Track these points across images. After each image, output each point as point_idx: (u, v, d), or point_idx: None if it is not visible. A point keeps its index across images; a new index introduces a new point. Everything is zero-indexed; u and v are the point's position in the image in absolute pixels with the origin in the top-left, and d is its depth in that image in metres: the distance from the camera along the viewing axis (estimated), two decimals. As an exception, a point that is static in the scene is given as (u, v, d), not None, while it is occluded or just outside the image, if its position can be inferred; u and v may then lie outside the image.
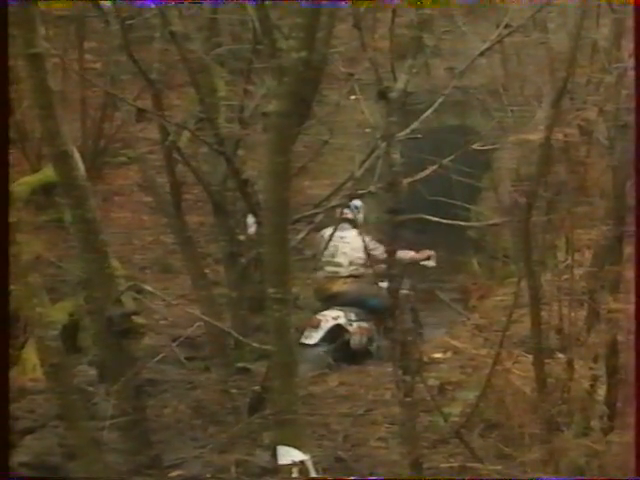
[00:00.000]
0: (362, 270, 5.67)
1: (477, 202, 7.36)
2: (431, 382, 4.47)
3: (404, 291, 5.82)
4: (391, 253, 2.66)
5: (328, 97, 6.21)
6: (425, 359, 5.08)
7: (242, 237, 4.53)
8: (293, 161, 4.50)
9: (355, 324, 5.62)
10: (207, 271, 5.13)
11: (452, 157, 3.15)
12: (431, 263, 5.78)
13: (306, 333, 5.36)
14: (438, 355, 5.24)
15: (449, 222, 5.63)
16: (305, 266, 5.54)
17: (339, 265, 5.80)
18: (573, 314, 3.72)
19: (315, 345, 5.34)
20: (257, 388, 3.76)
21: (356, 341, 5.62)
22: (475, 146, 2.87)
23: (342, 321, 5.55)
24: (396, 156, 2.51)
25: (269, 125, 1.91)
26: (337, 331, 5.53)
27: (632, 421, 3.55)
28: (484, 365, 3.86)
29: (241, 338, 2.75)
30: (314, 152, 4.61)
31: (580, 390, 3.60)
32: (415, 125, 2.98)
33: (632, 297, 3.78)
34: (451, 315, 6.12)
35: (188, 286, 5.13)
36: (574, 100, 4.59)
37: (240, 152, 4.53)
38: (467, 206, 4.09)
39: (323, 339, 5.41)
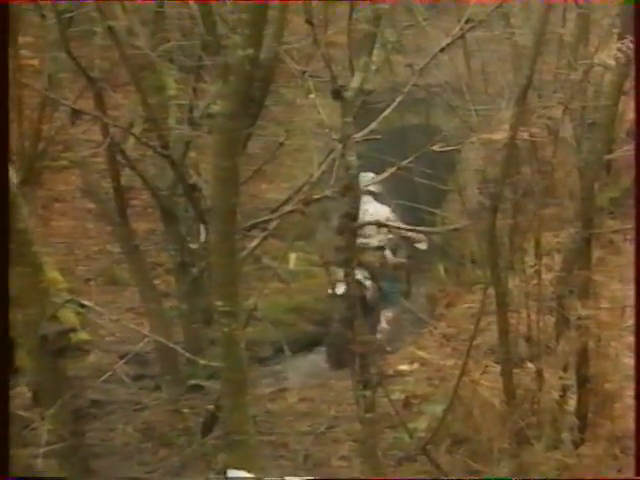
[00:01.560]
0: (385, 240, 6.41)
1: (442, 205, 7.45)
2: (396, 396, 4.50)
3: (402, 259, 6.56)
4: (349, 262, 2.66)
5: (284, 96, 6.22)
6: (390, 371, 5.12)
7: (193, 245, 4.50)
8: (245, 164, 4.54)
9: (369, 281, 6.41)
10: (157, 282, 5.08)
11: (411, 159, 3.17)
12: (423, 246, 6.18)
13: (337, 286, 6.00)
14: (404, 367, 5.27)
15: (408, 228, 5.78)
16: (263, 275, 5.53)
17: (369, 236, 6.32)
18: (542, 321, 3.83)
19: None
20: (211, 407, 3.73)
21: (370, 295, 6.42)
22: (436, 147, 2.90)
23: (360, 277, 6.14)
24: (352, 158, 2.52)
25: (215, 127, 1.89)
26: (356, 286, 6.17)
27: (603, 432, 3.63)
28: (451, 376, 3.89)
29: (187, 354, 2.71)
30: (270, 154, 4.59)
31: (550, 401, 3.65)
32: (374, 125, 3.00)
33: (603, 302, 3.89)
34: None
35: (137, 298, 5.07)
36: (541, 97, 4.67)
37: (192, 155, 4.55)
38: (431, 210, 4.13)
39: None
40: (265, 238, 2.99)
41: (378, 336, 6.44)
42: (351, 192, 2.50)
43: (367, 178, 6.40)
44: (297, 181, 5.54)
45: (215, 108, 1.85)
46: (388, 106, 3.36)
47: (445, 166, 5.25)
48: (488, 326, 4.41)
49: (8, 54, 2.31)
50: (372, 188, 6.48)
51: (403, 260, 6.63)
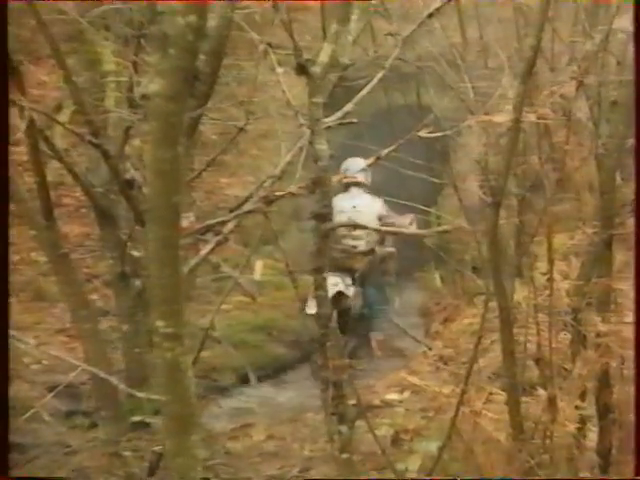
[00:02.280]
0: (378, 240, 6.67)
1: (438, 202, 7.52)
2: (383, 431, 4.52)
3: (390, 249, 6.70)
4: (319, 271, 2.67)
5: (247, 72, 6.23)
6: (377, 402, 5.14)
7: (136, 253, 4.48)
8: (200, 155, 4.53)
9: (352, 288, 6.65)
10: (93, 297, 5.06)
11: (393, 147, 3.19)
12: (412, 228, 6.43)
13: (309, 303, 5.87)
14: (393, 396, 5.30)
15: (391, 230, 5.89)
16: (223, 287, 5.53)
17: (358, 238, 6.64)
18: (555, 339, 3.86)
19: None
20: (158, 448, 3.73)
21: (356, 307, 6.71)
22: (422, 133, 2.91)
23: (342, 287, 6.51)
24: (322, 147, 2.52)
25: (151, 110, 1.88)
26: (338, 298, 6.44)
27: (630, 472, 3.66)
28: (449, 407, 3.91)
29: (122, 386, 2.70)
30: (229, 142, 4.59)
31: (565, 435, 3.69)
32: (349, 107, 3.00)
33: (627, 315, 3.93)
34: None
35: (68, 318, 5.04)
36: (553, 71, 4.73)
37: (137, 143, 4.53)
38: (423, 208, 4.16)
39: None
40: (219, 243, 2.98)
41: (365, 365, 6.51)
42: (322, 188, 2.51)
43: (355, 165, 6.44)
44: (263, 173, 5.56)
45: (151, 87, 1.84)
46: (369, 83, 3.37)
47: (438, 155, 5.30)
48: (492, 346, 4.44)
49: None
50: (361, 179, 6.57)
51: (392, 250, 6.72)
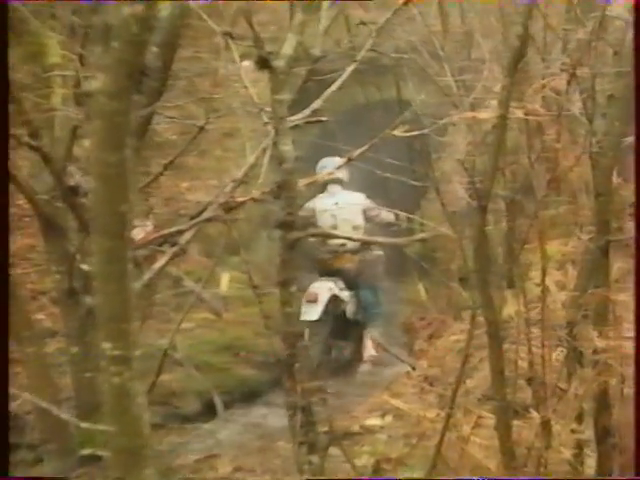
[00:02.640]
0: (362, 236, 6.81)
1: (421, 205, 7.56)
2: (363, 460, 4.51)
3: (378, 252, 6.91)
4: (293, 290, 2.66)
5: (207, 65, 6.21)
6: (356, 428, 5.13)
7: (85, 266, 4.45)
8: (157, 157, 4.47)
9: (346, 292, 7.00)
10: (38, 316, 5.01)
11: (365, 148, 3.18)
12: (402, 225, 6.65)
13: (305, 309, 6.51)
14: (373, 422, 5.29)
15: (364, 240, 5.92)
16: (182, 302, 5.50)
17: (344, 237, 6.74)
18: (549, 356, 3.86)
19: (318, 321, 6.57)
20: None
21: (350, 311, 7.05)
22: (397, 132, 2.91)
23: (337, 291, 6.83)
24: (287, 148, 2.52)
25: (94, 109, 1.87)
26: (334, 302, 6.83)
27: (631, 499, 3.67)
28: (434, 432, 3.91)
29: (65, 416, 2.67)
30: (189, 142, 4.57)
31: (561, 462, 3.69)
32: (318, 104, 3.01)
33: (627, 329, 3.94)
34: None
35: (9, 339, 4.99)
36: (545, 62, 4.75)
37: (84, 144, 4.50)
38: (403, 214, 4.16)
39: (325, 313, 6.68)
40: (176, 255, 2.96)
41: (364, 367, 6.63)
42: (287, 193, 2.50)
43: (332, 164, 6.56)
44: (229, 176, 5.54)
45: (93, 84, 1.83)
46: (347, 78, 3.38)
47: (420, 155, 5.33)
48: (481, 364, 4.45)
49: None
50: (339, 175, 6.76)
51: (380, 253, 6.92)
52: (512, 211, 4.28)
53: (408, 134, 2.92)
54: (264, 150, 3.00)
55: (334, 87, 3.11)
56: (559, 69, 3.67)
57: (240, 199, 2.83)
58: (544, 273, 3.82)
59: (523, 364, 3.82)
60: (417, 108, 3.84)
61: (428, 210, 7.00)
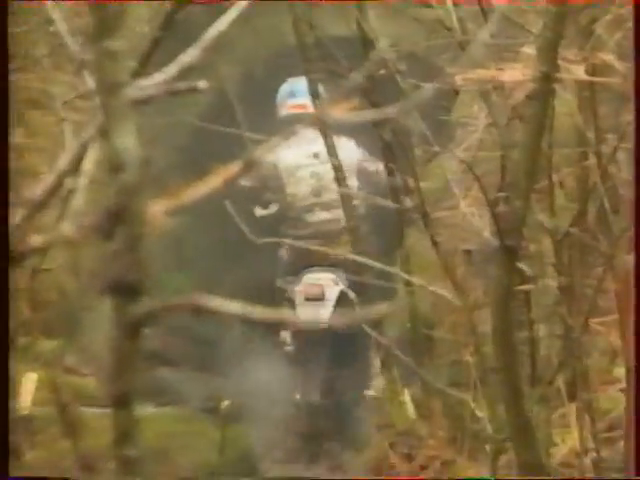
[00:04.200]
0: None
1: (403, 244, 6.24)
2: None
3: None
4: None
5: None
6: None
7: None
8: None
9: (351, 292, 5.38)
10: None
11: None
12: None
13: (304, 309, 5.21)
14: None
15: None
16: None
17: (331, 207, 5.11)
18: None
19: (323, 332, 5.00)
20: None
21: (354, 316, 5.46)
22: (345, 111, 1.63)
23: (344, 287, 5.30)
24: (126, 140, 1.32)
25: None
26: (341, 299, 5.30)
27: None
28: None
29: None
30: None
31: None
32: (193, 54, 1.68)
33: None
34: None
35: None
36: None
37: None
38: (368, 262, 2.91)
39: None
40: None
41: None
42: (128, 228, 1.29)
43: (302, 87, 4.50)
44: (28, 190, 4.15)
45: None
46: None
47: (391, 150, 3.65)
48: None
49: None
50: (310, 108, 4.66)
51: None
52: (567, 255, 2.52)
53: (367, 117, 1.57)
54: (83, 147, 1.66)
55: (226, 18, 1.68)
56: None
57: (37, 241, 1.47)
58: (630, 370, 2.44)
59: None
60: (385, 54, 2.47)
61: (417, 248, 4.11)
